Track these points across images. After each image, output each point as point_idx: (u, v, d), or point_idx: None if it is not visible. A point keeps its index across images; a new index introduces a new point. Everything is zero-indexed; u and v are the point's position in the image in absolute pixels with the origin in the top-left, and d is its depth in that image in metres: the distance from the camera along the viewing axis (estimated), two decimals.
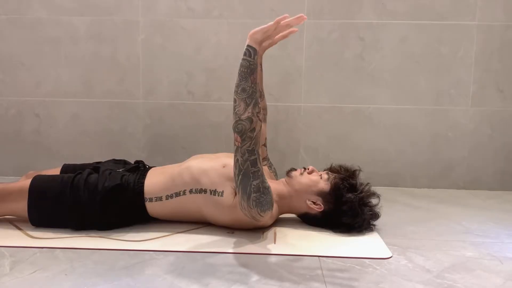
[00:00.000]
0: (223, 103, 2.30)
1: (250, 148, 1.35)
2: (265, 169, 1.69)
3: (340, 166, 1.62)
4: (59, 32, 2.29)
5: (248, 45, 1.36)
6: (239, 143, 1.36)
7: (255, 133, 1.36)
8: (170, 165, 1.66)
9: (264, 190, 1.38)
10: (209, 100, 2.32)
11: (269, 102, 2.22)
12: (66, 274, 1.21)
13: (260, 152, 1.40)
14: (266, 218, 1.47)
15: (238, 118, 1.35)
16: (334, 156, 2.26)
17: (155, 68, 2.31)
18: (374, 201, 1.58)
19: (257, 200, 1.38)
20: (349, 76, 2.29)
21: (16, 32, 2.30)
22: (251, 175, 1.36)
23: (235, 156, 1.38)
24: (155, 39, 2.29)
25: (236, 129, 1.35)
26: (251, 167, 1.36)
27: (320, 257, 1.36)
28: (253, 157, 1.36)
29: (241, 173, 1.37)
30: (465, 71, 2.26)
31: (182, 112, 2.33)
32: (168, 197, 1.53)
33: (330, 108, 2.31)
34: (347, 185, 1.53)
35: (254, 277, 1.21)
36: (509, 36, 2.23)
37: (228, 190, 1.48)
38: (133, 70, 2.31)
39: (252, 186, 1.37)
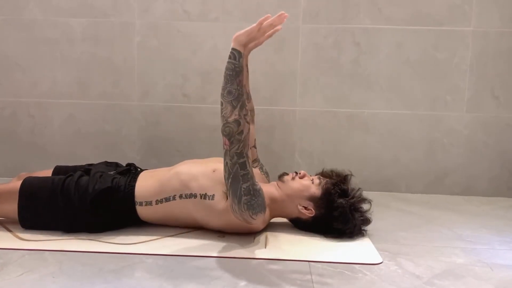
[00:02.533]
0: (218, 106, 2.28)
1: (238, 151, 1.35)
2: (256, 171, 1.69)
3: (332, 171, 1.61)
4: (55, 33, 2.29)
5: (232, 48, 1.37)
6: (228, 146, 1.36)
7: (243, 136, 1.36)
8: (160, 169, 1.66)
9: (254, 192, 1.38)
10: (205, 103, 2.32)
11: (264, 106, 2.23)
12: (53, 277, 1.21)
13: (250, 154, 1.40)
14: (259, 221, 1.46)
15: (225, 121, 1.36)
16: (329, 160, 2.26)
17: (150, 70, 2.31)
18: (365, 206, 1.58)
19: (248, 203, 1.38)
20: (345, 81, 2.29)
21: (12, 33, 2.30)
22: (241, 178, 1.36)
23: (224, 159, 1.38)
24: (151, 41, 2.29)
25: (224, 132, 1.36)
26: (240, 170, 1.36)
27: (310, 262, 1.36)
28: (241, 160, 1.36)
29: (231, 176, 1.37)
30: (460, 77, 2.26)
31: (177, 115, 2.33)
32: (158, 201, 1.52)
33: (325, 112, 2.31)
34: (338, 190, 1.53)
35: (243, 282, 1.21)
36: (504, 42, 2.23)
37: (219, 193, 1.48)
38: (128, 72, 2.31)
39: (242, 189, 1.37)
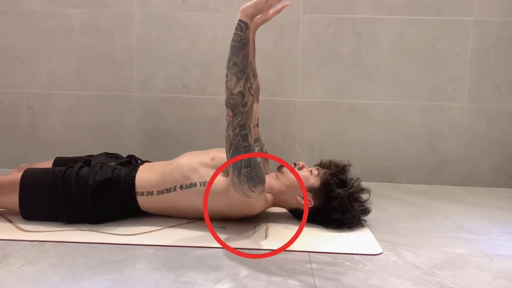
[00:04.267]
0: (218, 97, 2.29)
1: (241, 123, 1.35)
2: None
3: (330, 162, 1.61)
4: (54, 25, 2.28)
5: (239, 20, 1.36)
6: (231, 118, 1.35)
7: (246, 108, 1.35)
8: (160, 162, 1.66)
9: (255, 165, 1.38)
10: (205, 95, 2.31)
11: (264, 97, 2.22)
12: (55, 268, 1.21)
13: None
14: (258, 193, 1.44)
15: (230, 93, 1.35)
16: (329, 151, 2.26)
17: (150, 61, 2.30)
18: (364, 196, 1.58)
19: (248, 175, 1.37)
20: (345, 71, 2.28)
21: (11, 24, 2.29)
22: (242, 149, 1.36)
23: (226, 131, 1.37)
24: (150, 32, 2.28)
25: (228, 104, 1.35)
26: (242, 141, 1.35)
27: (310, 253, 1.36)
28: (244, 132, 1.35)
29: (232, 147, 1.36)
30: (461, 67, 2.25)
31: (177, 106, 2.32)
32: (159, 192, 1.53)
33: (326, 103, 2.30)
34: (337, 180, 1.53)
35: (243, 272, 1.21)
36: (506, 32, 2.22)
37: (218, 178, 1.48)
38: (128, 63, 2.30)
39: (243, 161, 1.36)
